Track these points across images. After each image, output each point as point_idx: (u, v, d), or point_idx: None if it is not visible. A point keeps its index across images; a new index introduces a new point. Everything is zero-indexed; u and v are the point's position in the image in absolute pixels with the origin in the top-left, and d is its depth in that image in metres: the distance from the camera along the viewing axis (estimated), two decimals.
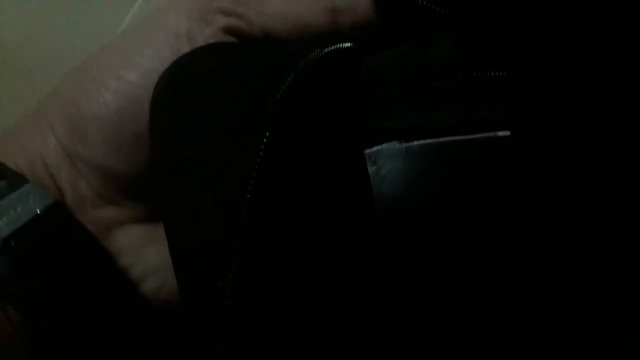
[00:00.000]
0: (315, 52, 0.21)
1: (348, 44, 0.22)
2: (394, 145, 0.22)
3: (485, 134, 0.22)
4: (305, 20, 0.25)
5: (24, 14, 0.37)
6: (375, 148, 0.22)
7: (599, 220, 0.21)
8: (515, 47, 0.23)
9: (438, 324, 0.22)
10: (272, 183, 0.20)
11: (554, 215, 0.22)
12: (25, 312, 0.21)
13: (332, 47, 0.22)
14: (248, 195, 0.19)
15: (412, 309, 0.22)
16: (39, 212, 0.21)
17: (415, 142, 0.22)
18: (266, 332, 0.20)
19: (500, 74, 0.22)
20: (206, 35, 0.25)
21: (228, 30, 0.25)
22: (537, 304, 0.22)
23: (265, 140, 0.19)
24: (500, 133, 0.22)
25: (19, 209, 0.21)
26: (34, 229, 0.21)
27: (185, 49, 0.24)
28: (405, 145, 0.22)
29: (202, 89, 0.22)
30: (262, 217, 0.20)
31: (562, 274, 0.22)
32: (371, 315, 0.21)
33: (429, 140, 0.22)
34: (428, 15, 0.24)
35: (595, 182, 0.22)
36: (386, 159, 0.22)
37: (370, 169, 0.22)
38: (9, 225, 0.21)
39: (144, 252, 0.24)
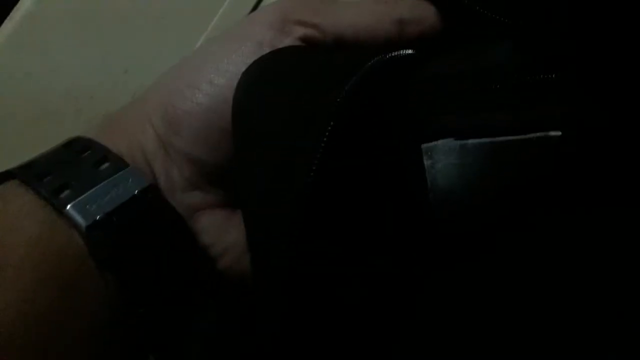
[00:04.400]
0: (379, 57, 0.23)
1: (410, 51, 0.24)
2: (449, 142, 0.24)
3: (536, 134, 0.23)
4: (374, 31, 0.28)
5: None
6: (431, 143, 0.24)
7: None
8: (569, 51, 0.24)
9: (481, 316, 0.23)
10: (333, 170, 0.22)
11: (601, 214, 0.23)
12: (121, 278, 0.24)
13: (395, 53, 0.24)
14: (310, 180, 0.21)
15: (455, 297, 0.23)
16: (136, 192, 0.24)
17: (470, 140, 0.23)
18: (320, 304, 0.22)
19: (553, 76, 0.23)
20: (285, 44, 0.27)
21: (304, 40, 0.28)
22: (589, 300, 0.23)
23: (329, 130, 0.21)
24: (552, 133, 0.23)
25: (120, 189, 0.24)
26: (132, 207, 0.24)
27: None
28: (460, 142, 0.23)
29: (276, 86, 0.25)
30: (323, 199, 0.22)
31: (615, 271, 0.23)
32: (412, 300, 0.23)
33: (483, 139, 0.23)
34: (488, 23, 0.25)
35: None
36: (442, 154, 0.23)
37: (426, 163, 0.23)
38: (111, 203, 0.24)
39: (223, 233, 0.27)
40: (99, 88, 0.40)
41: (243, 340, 0.29)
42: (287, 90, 0.25)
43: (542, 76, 0.23)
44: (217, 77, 0.27)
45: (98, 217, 0.23)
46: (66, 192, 0.24)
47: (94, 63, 0.41)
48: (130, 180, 0.25)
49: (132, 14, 0.41)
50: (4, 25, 0.40)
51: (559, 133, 0.23)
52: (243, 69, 0.26)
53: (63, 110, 0.40)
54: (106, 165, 0.25)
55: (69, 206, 0.23)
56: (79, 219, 0.23)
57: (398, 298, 0.24)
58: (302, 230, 0.21)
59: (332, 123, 0.21)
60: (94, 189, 0.24)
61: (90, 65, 0.41)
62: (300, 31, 0.28)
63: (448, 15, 0.27)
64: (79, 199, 0.23)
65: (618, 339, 0.21)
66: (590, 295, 0.23)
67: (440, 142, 0.23)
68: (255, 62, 0.26)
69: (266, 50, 0.27)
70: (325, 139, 0.21)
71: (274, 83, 0.25)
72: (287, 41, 0.28)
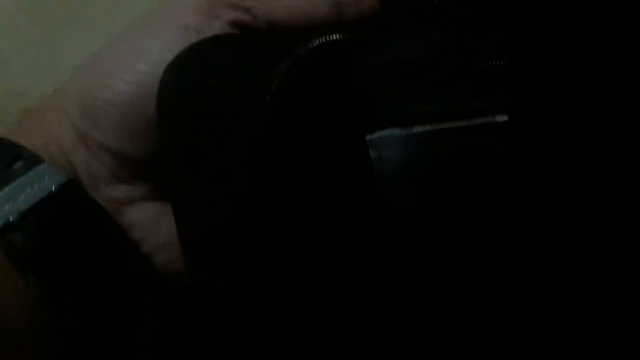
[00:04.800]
0: (305, 44, 0.22)
1: (337, 36, 0.23)
2: (394, 132, 0.23)
3: (483, 119, 0.23)
4: (309, 14, 0.26)
5: None
6: (376, 134, 0.23)
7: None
8: (515, 37, 0.23)
9: (434, 310, 0.23)
10: (269, 166, 0.20)
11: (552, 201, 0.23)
12: (44, 280, 0.22)
13: (322, 40, 0.22)
14: (246, 177, 0.20)
15: (407, 293, 0.22)
16: (53, 189, 0.23)
17: (415, 129, 0.23)
18: (270, 308, 0.21)
19: (499, 63, 0.23)
20: (214, 28, 0.26)
21: (235, 24, 0.26)
22: (537, 296, 0.23)
23: (259, 125, 0.20)
24: (499, 118, 0.23)
25: (35, 187, 0.22)
26: (49, 204, 0.23)
27: (194, 41, 0.25)
28: (405, 131, 0.23)
29: (204, 78, 0.23)
30: (262, 196, 0.21)
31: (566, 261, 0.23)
32: (367, 298, 0.22)
33: (428, 127, 0.23)
34: (434, 10, 0.25)
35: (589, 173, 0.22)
36: (387, 145, 0.23)
37: (372, 154, 0.22)
38: (25, 202, 0.22)
39: (154, 227, 0.25)
40: (46, 86, 0.37)
41: (189, 339, 0.27)
42: (216, 82, 0.23)
43: (487, 63, 0.23)
44: (139, 64, 0.25)
45: (11, 218, 0.22)
46: None
47: (41, 60, 0.38)
48: (46, 176, 0.23)
49: (83, 10, 0.39)
50: None
51: (506, 118, 0.22)
52: (167, 55, 0.25)
53: (7, 108, 0.37)
54: (19, 163, 0.23)
55: None
56: None
57: (362, 295, 0.23)
58: (254, 225, 0.21)
59: (263, 118, 0.20)
60: (5, 189, 0.22)
61: (37, 62, 0.38)
62: (230, 14, 0.26)
63: (395, 2, 0.26)
64: None
65: (572, 334, 0.21)
66: (547, 286, 0.23)
67: (384, 132, 0.23)
68: (180, 53, 0.25)
69: (192, 34, 0.25)
70: (257, 132, 0.20)
71: (201, 75, 0.24)
72: (216, 25, 0.26)
